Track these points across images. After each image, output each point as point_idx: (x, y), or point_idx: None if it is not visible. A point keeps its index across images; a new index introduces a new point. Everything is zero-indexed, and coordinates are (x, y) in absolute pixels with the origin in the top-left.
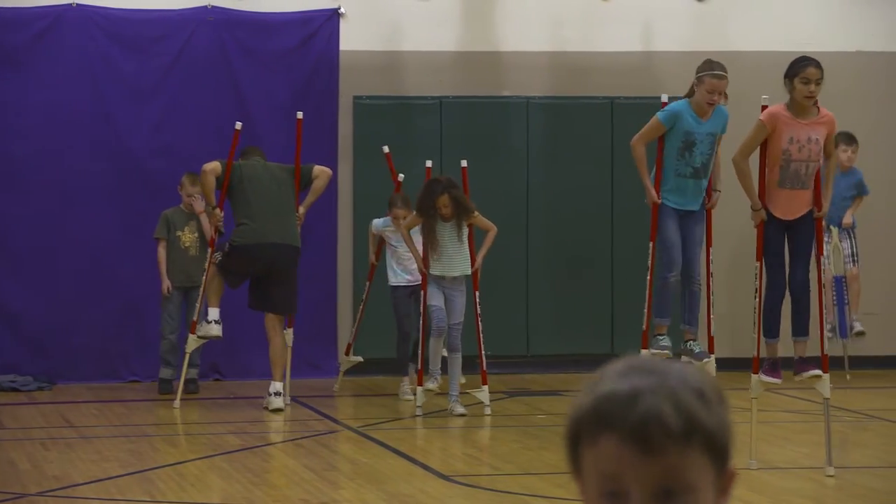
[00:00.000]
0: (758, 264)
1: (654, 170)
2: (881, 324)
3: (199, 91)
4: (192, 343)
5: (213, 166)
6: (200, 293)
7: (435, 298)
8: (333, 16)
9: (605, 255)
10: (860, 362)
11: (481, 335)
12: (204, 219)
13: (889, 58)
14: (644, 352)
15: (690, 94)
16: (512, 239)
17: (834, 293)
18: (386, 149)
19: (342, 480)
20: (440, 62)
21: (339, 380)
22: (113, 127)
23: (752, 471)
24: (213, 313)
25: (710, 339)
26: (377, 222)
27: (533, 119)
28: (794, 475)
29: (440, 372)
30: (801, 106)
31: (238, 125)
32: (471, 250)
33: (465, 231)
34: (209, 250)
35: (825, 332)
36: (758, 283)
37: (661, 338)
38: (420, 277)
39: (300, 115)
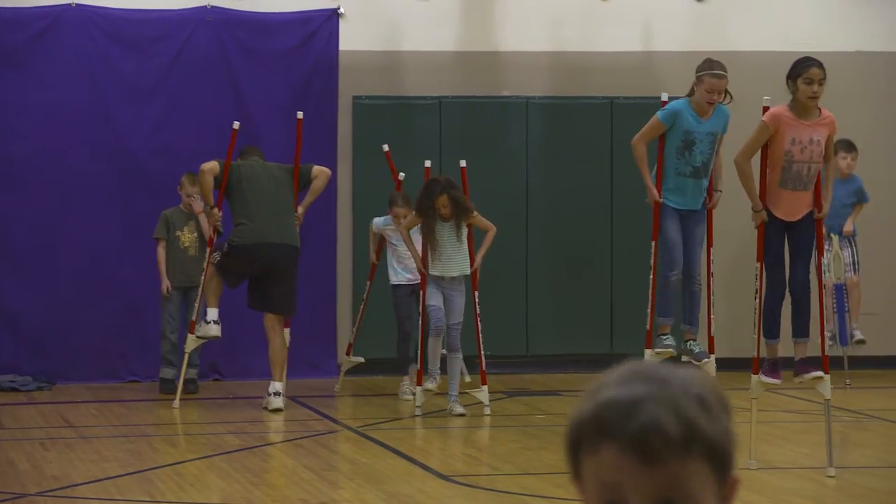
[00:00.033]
0: (758, 265)
1: (656, 169)
2: (881, 324)
3: (199, 91)
4: (191, 343)
5: (212, 166)
6: (199, 293)
7: (434, 298)
8: (333, 16)
9: (605, 255)
10: (860, 363)
11: (480, 335)
12: (203, 219)
13: (888, 58)
14: (648, 352)
15: (691, 94)
16: (511, 239)
17: (834, 301)
18: (386, 147)
19: (341, 480)
20: (440, 62)
21: (341, 380)
22: (112, 127)
23: (752, 471)
24: (212, 313)
25: (710, 340)
26: (378, 221)
27: (532, 119)
28: (794, 475)
29: (439, 372)
30: (803, 107)
31: (236, 125)
32: (470, 250)
33: (465, 231)
34: (207, 250)
35: (825, 339)
36: (758, 283)
37: (664, 337)
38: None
39: (300, 115)
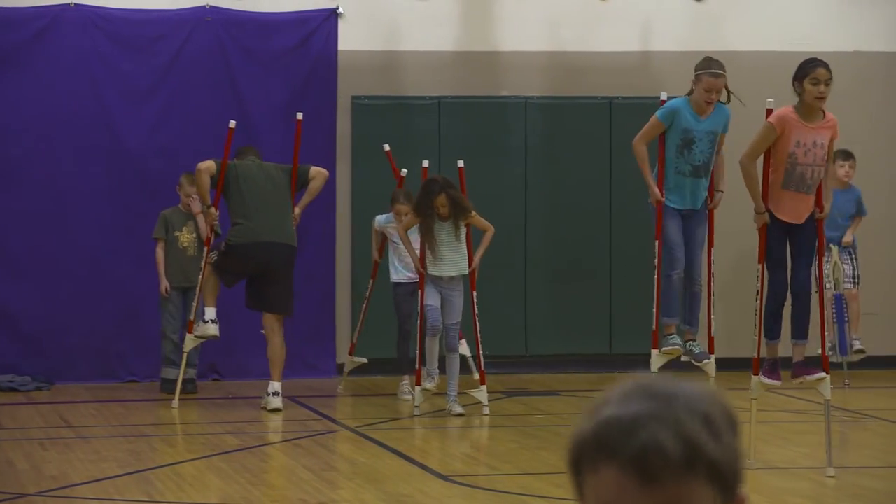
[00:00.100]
0: (759, 267)
1: (657, 169)
2: (881, 325)
3: (198, 91)
4: (190, 343)
5: (208, 165)
6: (197, 293)
7: (431, 298)
8: (331, 16)
9: (604, 255)
10: (859, 363)
11: (479, 335)
12: (201, 219)
13: (887, 58)
14: (654, 352)
15: (690, 93)
16: (510, 239)
17: (834, 311)
18: (386, 147)
19: (340, 480)
20: (438, 62)
21: (344, 380)
22: (111, 127)
23: (752, 471)
24: (210, 313)
25: (711, 340)
26: (380, 218)
27: (531, 119)
28: (794, 475)
29: (437, 372)
30: (809, 108)
31: (232, 124)
32: (468, 250)
33: (463, 231)
34: (205, 250)
35: (825, 345)
36: (759, 285)
37: (671, 337)
38: None
39: (300, 115)
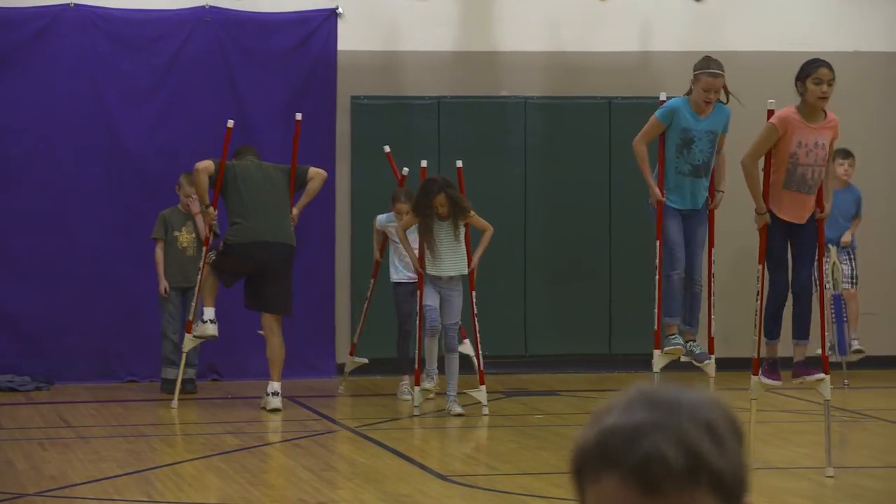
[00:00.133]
0: (760, 267)
1: (657, 169)
2: (881, 325)
3: (197, 91)
4: (189, 343)
5: (206, 165)
6: (195, 293)
7: (430, 298)
8: (331, 16)
9: (603, 255)
10: (858, 363)
11: (478, 335)
12: (200, 219)
13: (887, 58)
14: (657, 352)
15: (689, 93)
16: (510, 239)
17: (832, 311)
18: (387, 148)
19: (340, 480)
20: (438, 62)
21: (345, 380)
22: (111, 127)
23: (751, 471)
24: (209, 313)
25: (710, 340)
26: (381, 218)
27: (531, 119)
28: (793, 475)
29: (437, 372)
30: (812, 108)
31: (230, 123)
32: (467, 250)
33: (462, 231)
34: (203, 250)
35: (825, 344)
36: (760, 285)
37: (672, 337)
38: None
39: (299, 116)
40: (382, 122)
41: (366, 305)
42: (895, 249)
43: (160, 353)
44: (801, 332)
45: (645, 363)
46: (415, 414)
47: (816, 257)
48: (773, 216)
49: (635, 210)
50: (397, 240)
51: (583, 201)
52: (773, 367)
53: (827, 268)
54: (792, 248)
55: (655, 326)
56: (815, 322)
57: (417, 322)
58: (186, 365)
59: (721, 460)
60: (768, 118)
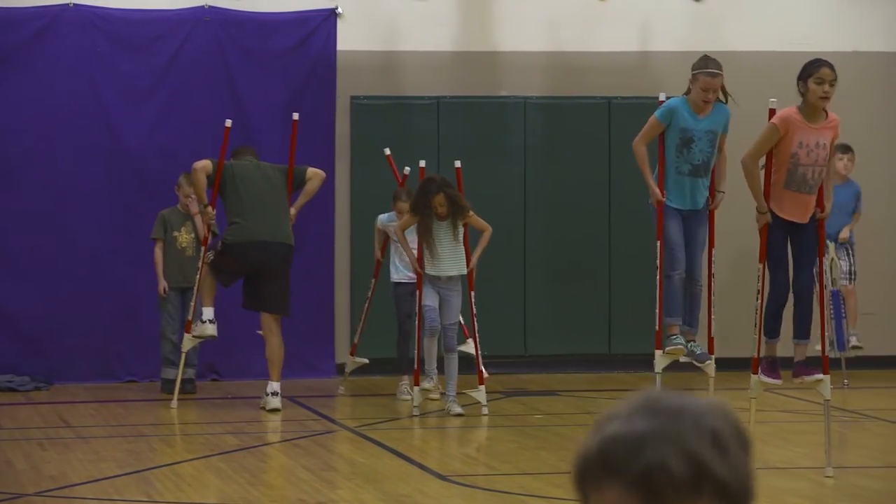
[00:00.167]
0: (761, 266)
1: (658, 170)
2: (880, 325)
3: (197, 91)
4: (188, 343)
5: (204, 164)
6: (194, 293)
7: (429, 299)
8: (331, 16)
9: (603, 255)
10: (858, 363)
11: (477, 335)
12: (199, 219)
13: (886, 58)
14: (658, 352)
15: (688, 93)
16: (509, 239)
17: (831, 307)
18: (387, 151)
19: (339, 480)
20: (438, 62)
21: (345, 380)
22: (110, 127)
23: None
24: (208, 313)
25: (710, 340)
26: (382, 217)
27: (530, 119)
28: (792, 475)
29: (436, 372)
30: (813, 108)
31: (228, 123)
32: (466, 250)
33: (461, 230)
34: (202, 249)
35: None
36: (760, 284)
37: (674, 337)
38: None
39: (296, 116)
40: (382, 123)
41: (367, 305)
42: (895, 249)
43: (160, 353)
44: (802, 331)
45: (644, 363)
46: (414, 414)
47: (817, 257)
48: (773, 215)
49: (635, 210)
50: (397, 239)
51: (582, 201)
52: (773, 365)
53: (825, 264)
54: (792, 248)
55: (657, 327)
56: (816, 321)
57: (417, 322)
58: (186, 365)
59: (725, 469)
60: (770, 118)
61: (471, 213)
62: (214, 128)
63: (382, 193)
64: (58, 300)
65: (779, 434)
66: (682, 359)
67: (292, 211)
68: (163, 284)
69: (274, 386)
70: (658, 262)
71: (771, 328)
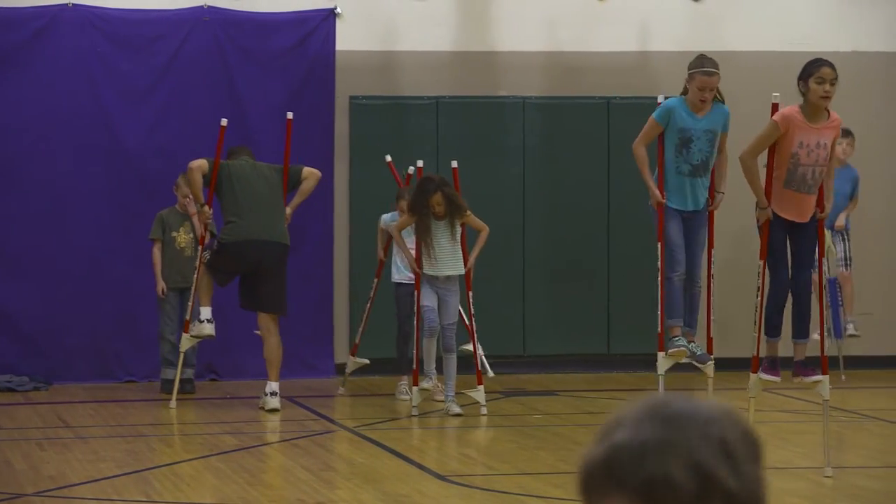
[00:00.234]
0: (761, 263)
1: (657, 171)
2: (878, 324)
3: (196, 91)
4: (186, 342)
5: (200, 163)
6: (192, 293)
7: (428, 299)
8: (330, 16)
9: (602, 255)
10: (857, 362)
11: (476, 335)
12: (196, 219)
13: (886, 58)
14: (661, 354)
15: (685, 93)
16: (508, 239)
17: (828, 295)
18: (388, 157)
19: (338, 480)
20: (436, 62)
21: (346, 380)
22: (109, 127)
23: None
24: (206, 312)
25: (710, 341)
26: (385, 217)
27: (529, 119)
28: (791, 475)
29: (435, 372)
30: (815, 108)
31: (223, 122)
32: (464, 250)
33: (458, 230)
34: (199, 248)
35: (823, 337)
36: (760, 282)
37: (676, 339)
38: None
39: (290, 115)
40: (381, 122)
41: (368, 305)
42: (895, 249)
43: (159, 353)
44: (800, 331)
45: (643, 363)
46: (413, 414)
47: (816, 258)
48: (774, 214)
49: (634, 210)
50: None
51: (581, 201)
52: (773, 364)
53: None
54: (791, 247)
55: (659, 329)
56: (815, 323)
57: (416, 324)
58: (185, 365)
59: (734, 480)
60: (773, 112)
61: (468, 212)
62: (213, 128)
63: (381, 193)
64: (57, 300)
65: (778, 434)
66: (684, 359)
67: (288, 210)
68: (161, 285)
69: (272, 386)
70: (659, 264)
71: (771, 327)
